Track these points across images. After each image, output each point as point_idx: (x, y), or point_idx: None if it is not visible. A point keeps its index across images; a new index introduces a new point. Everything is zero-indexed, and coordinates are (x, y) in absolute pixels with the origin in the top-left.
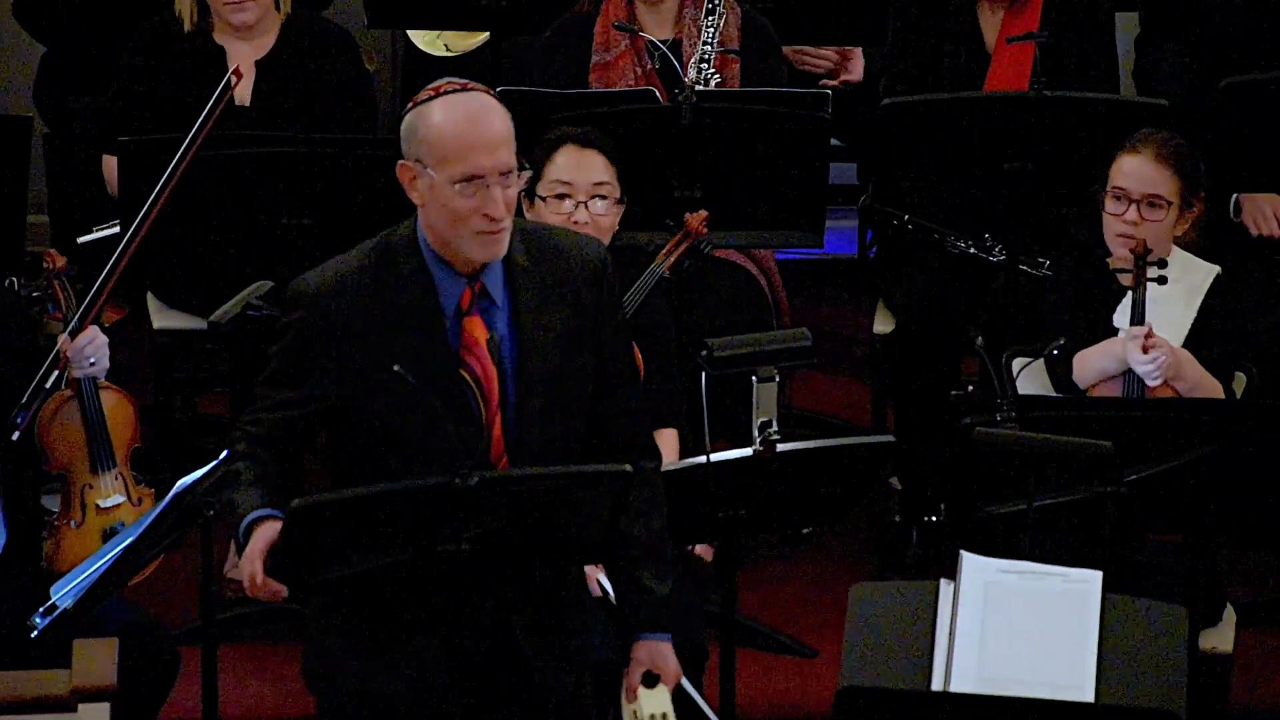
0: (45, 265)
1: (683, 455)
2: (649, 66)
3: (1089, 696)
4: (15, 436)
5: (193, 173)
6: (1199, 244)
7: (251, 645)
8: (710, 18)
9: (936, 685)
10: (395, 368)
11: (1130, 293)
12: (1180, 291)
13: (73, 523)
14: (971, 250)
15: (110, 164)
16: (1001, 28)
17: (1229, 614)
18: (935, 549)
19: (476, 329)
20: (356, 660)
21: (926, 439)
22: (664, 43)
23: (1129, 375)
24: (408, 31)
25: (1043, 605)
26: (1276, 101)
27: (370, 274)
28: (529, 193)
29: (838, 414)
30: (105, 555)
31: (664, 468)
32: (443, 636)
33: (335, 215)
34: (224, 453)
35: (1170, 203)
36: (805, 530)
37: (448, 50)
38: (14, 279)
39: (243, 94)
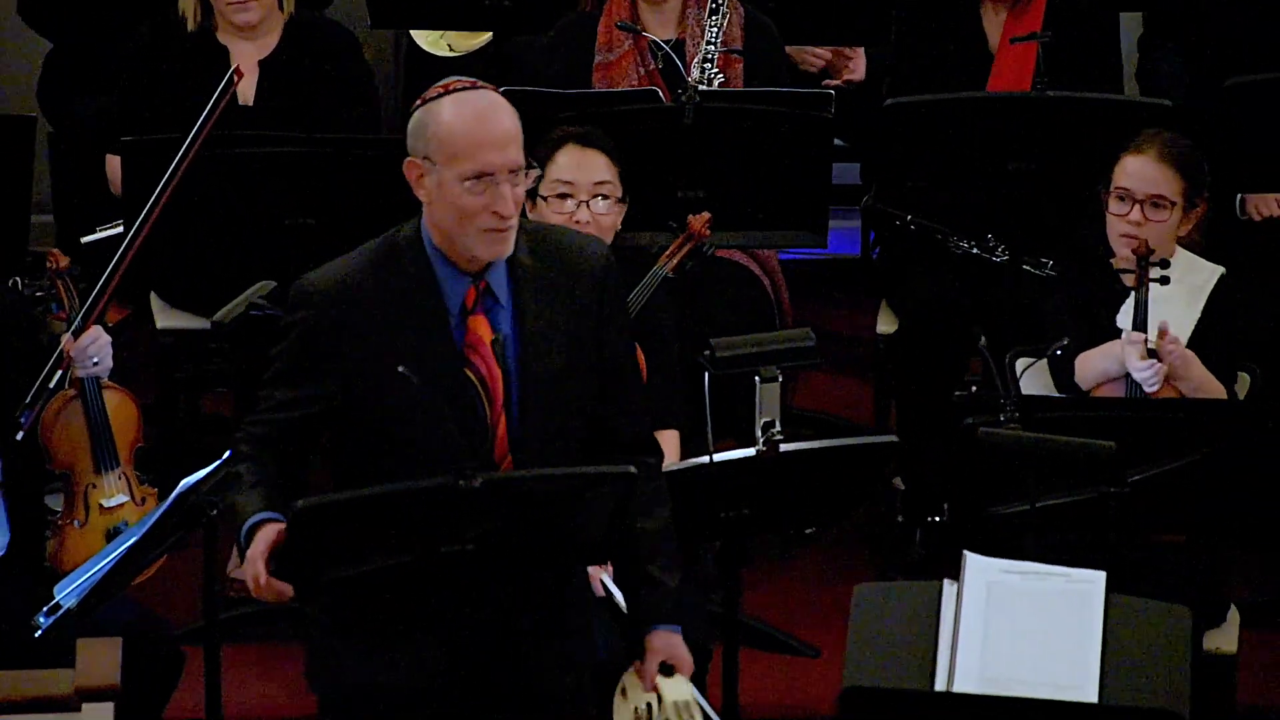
0: (48, 265)
1: (686, 456)
2: (652, 66)
3: (1092, 697)
4: (19, 436)
5: (195, 172)
6: (1202, 244)
7: (255, 645)
8: (714, 18)
9: (940, 685)
10: (400, 369)
11: (1133, 293)
12: (1184, 292)
13: (76, 522)
14: (974, 251)
15: (114, 163)
16: (1005, 28)
17: (1233, 615)
18: (938, 549)
19: (481, 328)
20: (358, 660)
21: (930, 439)
22: (667, 42)
23: (1131, 376)
24: (410, 32)
25: (1046, 605)
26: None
27: (374, 273)
28: (531, 193)
29: (841, 414)
30: (109, 555)
31: (667, 468)
32: (444, 637)
33: (338, 215)
34: (227, 453)
35: (1174, 203)
36: (808, 530)
37: (451, 50)
38: (17, 279)
39: (246, 94)
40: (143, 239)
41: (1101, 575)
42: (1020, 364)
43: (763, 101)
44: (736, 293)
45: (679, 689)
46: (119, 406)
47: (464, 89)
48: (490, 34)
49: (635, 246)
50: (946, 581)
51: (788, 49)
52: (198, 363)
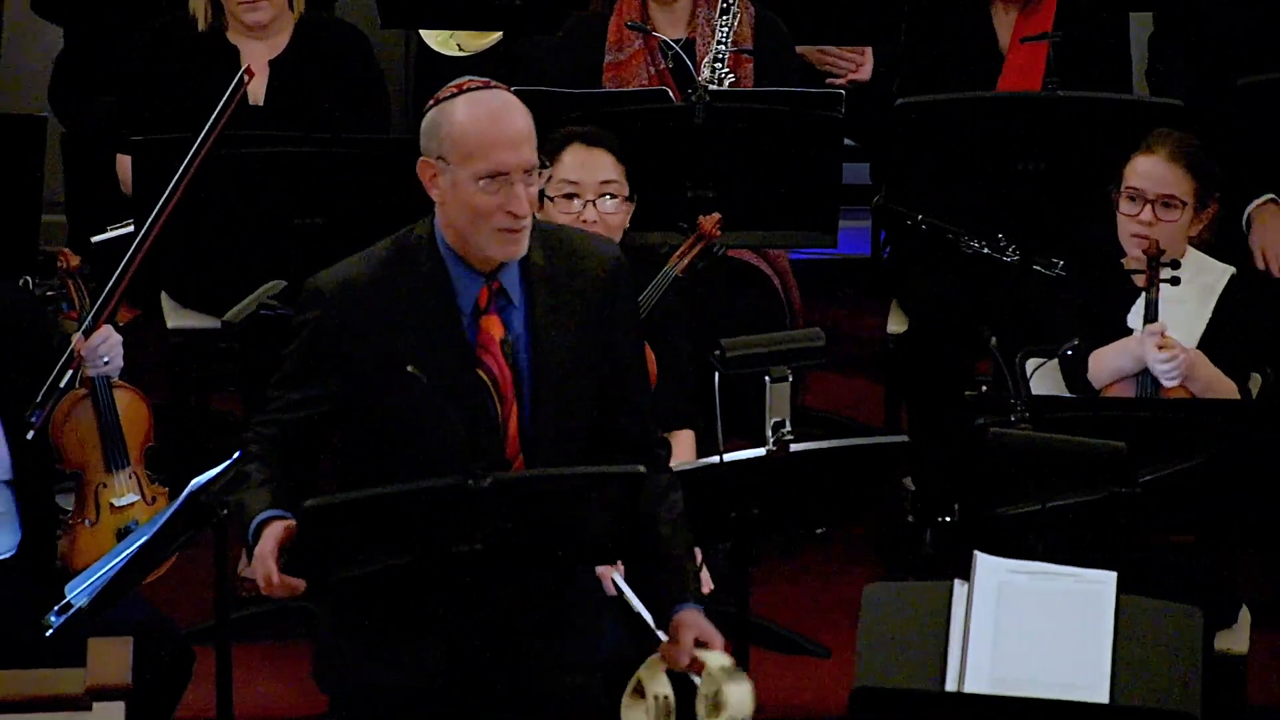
0: (59, 264)
1: (697, 456)
2: (662, 66)
3: (1103, 698)
4: (30, 435)
5: (206, 172)
6: (1211, 244)
7: (265, 644)
8: (724, 17)
9: (950, 686)
10: (409, 368)
11: (1144, 293)
12: (1195, 292)
13: (87, 521)
14: (985, 250)
15: (124, 163)
16: (1015, 28)
17: (1244, 615)
18: (948, 549)
19: (493, 328)
20: (366, 659)
21: (940, 439)
22: (677, 42)
23: (1143, 375)
24: (420, 31)
25: (1056, 606)
26: None
27: (387, 273)
28: (538, 193)
29: (851, 414)
30: (119, 554)
31: (677, 468)
32: (452, 636)
33: (348, 215)
34: (237, 452)
35: (1185, 203)
36: (819, 530)
37: (460, 50)
38: (28, 278)
39: (256, 94)
40: (153, 239)
41: (1112, 576)
42: (1031, 364)
43: (773, 101)
44: (747, 292)
45: (717, 657)
46: (129, 406)
47: (477, 89)
48: (500, 34)
49: (645, 246)
50: (957, 582)
51: (811, 50)
52: (208, 362)
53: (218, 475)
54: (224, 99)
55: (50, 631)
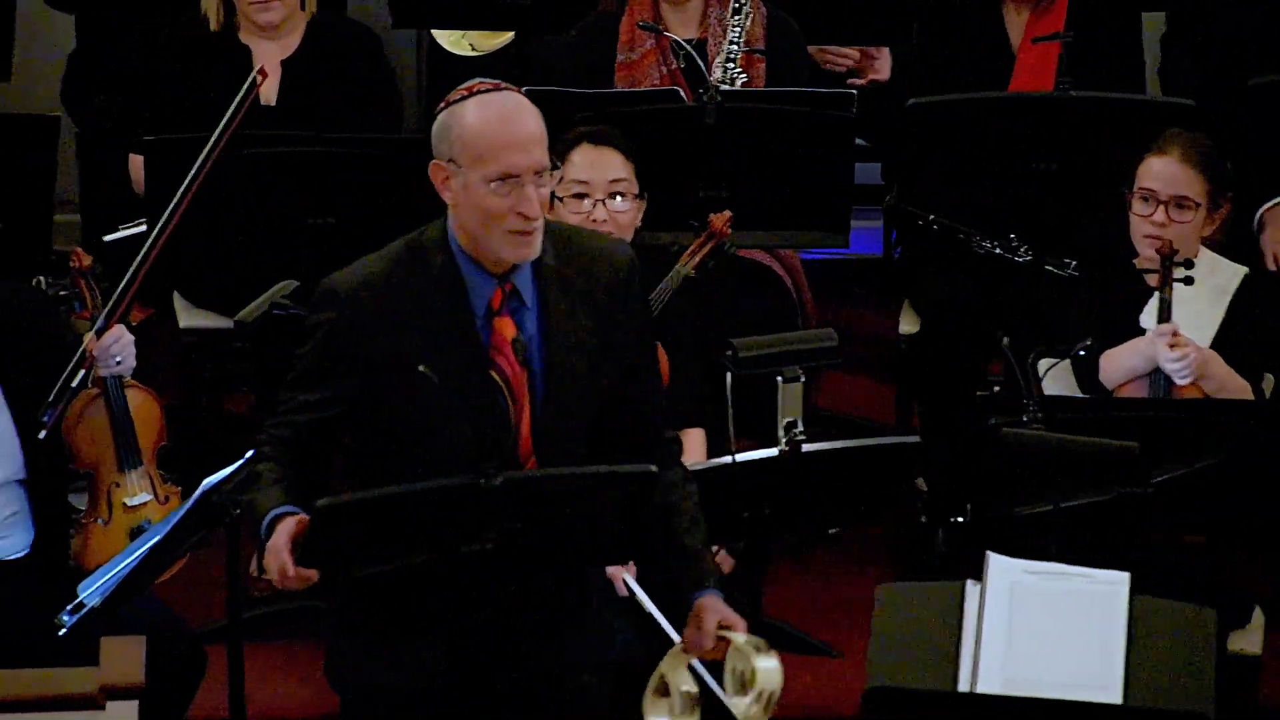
0: (72, 264)
1: (709, 456)
2: (674, 66)
3: (1116, 698)
4: (42, 435)
5: (218, 172)
6: (1223, 244)
7: (278, 644)
8: (736, 17)
9: (963, 686)
10: (420, 368)
11: (1157, 294)
12: (1208, 292)
13: (100, 521)
14: (997, 251)
15: (136, 163)
16: (1027, 27)
17: (1257, 616)
18: (961, 549)
19: (506, 329)
20: (377, 660)
21: (952, 439)
22: (689, 42)
23: (1156, 375)
24: (432, 31)
25: (1069, 606)
26: None
27: (400, 274)
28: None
29: (863, 414)
30: (132, 553)
31: (690, 468)
32: (463, 636)
33: (360, 215)
34: (250, 451)
35: (1198, 204)
36: (831, 531)
37: (473, 50)
38: (41, 278)
39: (268, 94)
40: (165, 238)
41: (1125, 576)
42: (1043, 364)
43: (785, 101)
44: (759, 292)
45: (745, 635)
46: (142, 405)
47: (488, 91)
48: (512, 34)
49: (656, 246)
50: (969, 582)
51: (813, 49)
52: (220, 362)
53: (230, 475)
54: (237, 99)
55: (63, 631)
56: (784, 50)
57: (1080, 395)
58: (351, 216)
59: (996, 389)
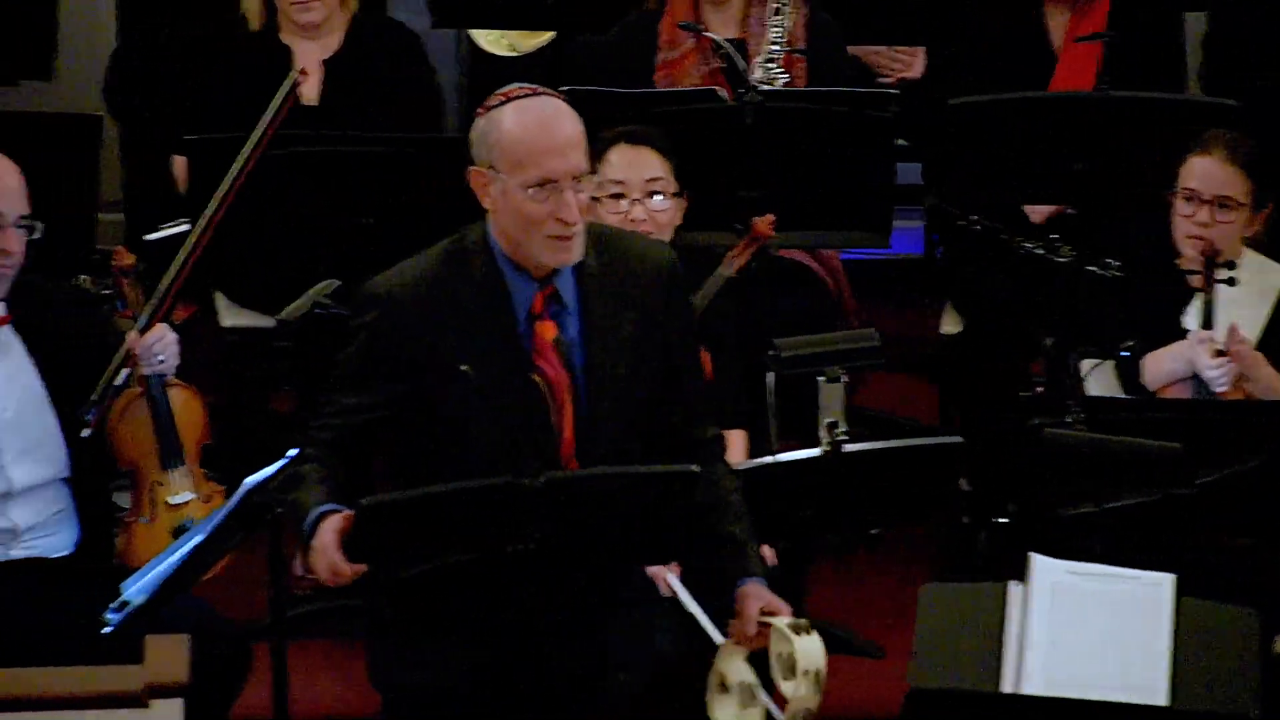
0: (114, 263)
1: (750, 456)
2: (714, 65)
3: (1162, 700)
4: (86, 434)
5: (259, 172)
6: (1265, 244)
7: (321, 642)
8: (777, 17)
9: (1006, 687)
10: (462, 367)
11: (1200, 294)
12: (1252, 293)
13: (143, 519)
14: (1039, 251)
15: (179, 163)
16: (1068, 27)
17: None
18: (1004, 550)
19: (548, 333)
20: (419, 659)
21: (995, 440)
22: (729, 41)
23: (1199, 376)
24: (471, 31)
25: (1114, 608)
26: None
27: (442, 277)
28: None
29: (905, 415)
30: (175, 552)
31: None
32: (504, 636)
33: (401, 214)
34: (292, 450)
35: (1241, 204)
36: (873, 531)
37: (512, 50)
38: (84, 277)
39: (310, 94)
40: (207, 238)
41: (1170, 578)
42: (1085, 365)
43: (825, 101)
44: (800, 293)
45: (785, 618)
46: (185, 404)
47: (525, 96)
48: (551, 34)
49: (698, 247)
50: (1012, 583)
51: (865, 50)
52: (262, 361)
53: (273, 474)
54: (277, 99)
55: (108, 629)
56: (825, 50)
57: (1123, 396)
58: (392, 216)
59: (1039, 389)
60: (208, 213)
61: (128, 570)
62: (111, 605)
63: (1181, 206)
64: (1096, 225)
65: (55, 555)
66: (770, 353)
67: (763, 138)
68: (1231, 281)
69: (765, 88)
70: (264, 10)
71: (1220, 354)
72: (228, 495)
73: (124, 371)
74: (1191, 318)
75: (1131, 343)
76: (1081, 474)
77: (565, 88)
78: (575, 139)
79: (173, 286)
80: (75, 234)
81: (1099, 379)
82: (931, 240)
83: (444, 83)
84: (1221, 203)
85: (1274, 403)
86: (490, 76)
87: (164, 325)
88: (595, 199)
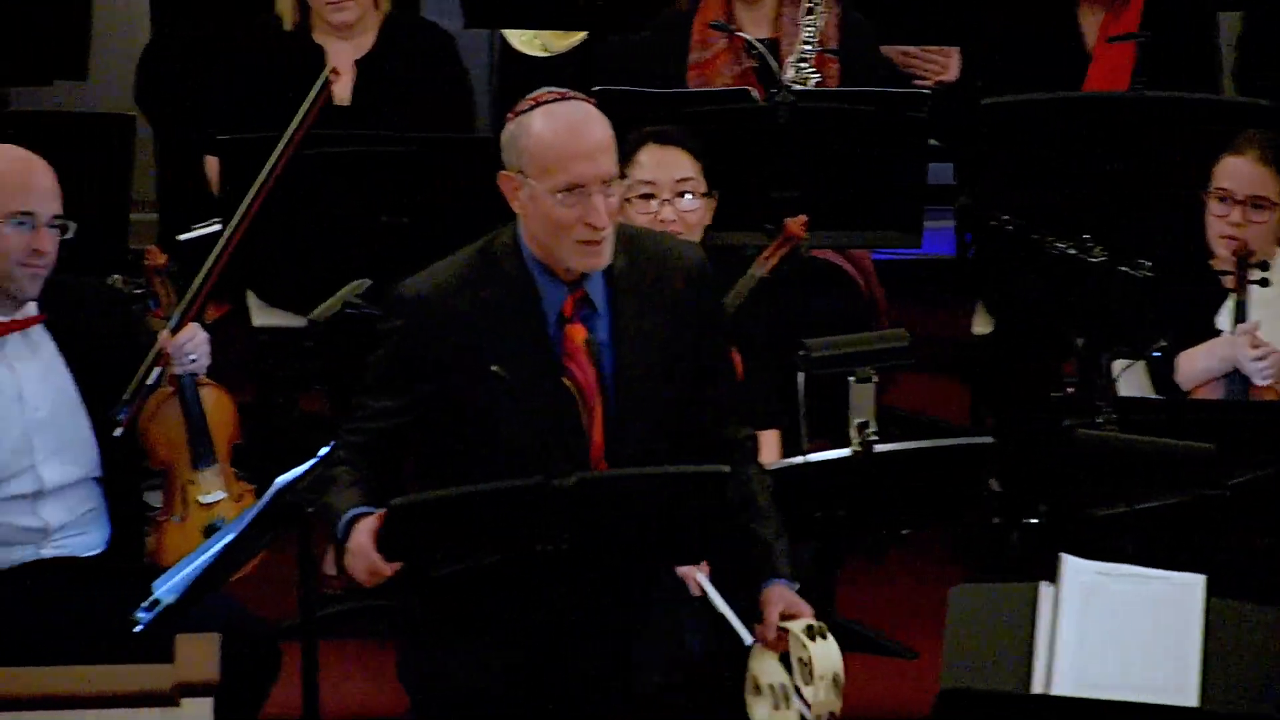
0: (146, 262)
1: (781, 456)
2: (746, 65)
3: (1192, 701)
4: (117, 433)
5: (291, 171)
6: None
7: (351, 641)
8: (810, 17)
9: (1037, 688)
10: (493, 367)
11: (1233, 294)
12: None
13: (175, 518)
14: (1071, 252)
15: (212, 163)
16: (1102, 27)
17: None
18: (1035, 551)
19: (579, 335)
20: (450, 660)
21: (1026, 440)
22: (762, 41)
23: (1232, 376)
24: (504, 31)
25: (1144, 608)
26: None
27: (472, 281)
28: None
29: (936, 415)
30: (206, 551)
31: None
32: (533, 637)
33: (433, 214)
34: (323, 450)
35: (1275, 204)
36: (904, 531)
37: (545, 50)
38: (116, 276)
39: (342, 93)
40: (239, 237)
41: (1201, 579)
42: (1117, 365)
43: (857, 101)
44: (831, 293)
45: (802, 622)
46: (216, 404)
47: (554, 100)
48: (584, 34)
49: (730, 247)
50: (1043, 584)
51: (896, 51)
52: (294, 360)
53: (304, 473)
54: (309, 98)
55: (138, 628)
56: (857, 50)
57: (1155, 396)
58: (424, 216)
59: (1070, 390)
60: (240, 212)
61: (158, 569)
62: (142, 604)
63: (1215, 207)
64: (1129, 225)
65: (86, 554)
66: (800, 353)
67: (795, 138)
68: (1265, 282)
69: (797, 88)
70: (297, 10)
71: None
72: (258, 495)
73: (156, 371)
74: (1225, 318)
75: (1163, 343)
76: (1113, 474)
77: (597, 88)
78: (604, 144)
79: (205, 286)
80: (108, 233)
81: (1131, 379)
82: (963, 240)
83: (476, 83)
84: (1255, 203)
85: None
86: (522, 76)
87: (196, 325)
88: (626, 199)
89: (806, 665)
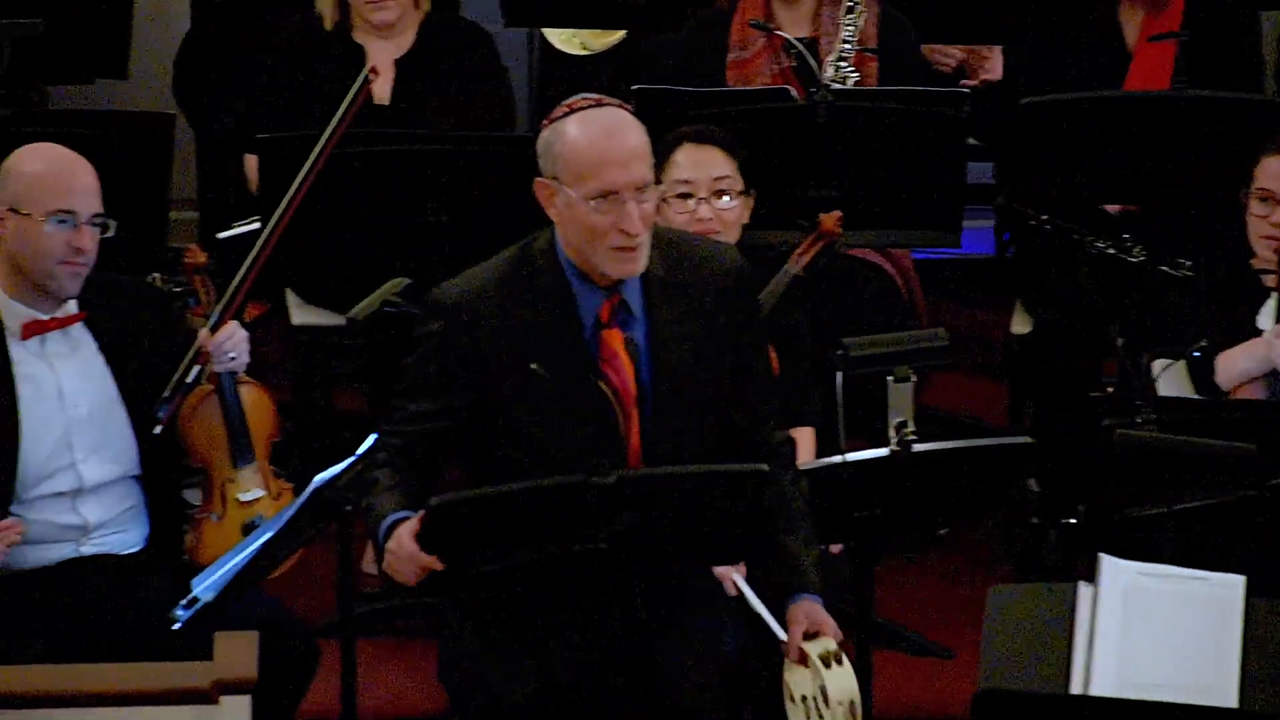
0: (186, 261)
1: (818, 455)
2: (785, 64)
3: (1232, 702)
4: (157, 430)
5: (331, 170)
6: None
7: (390, 640)
8: (849, 15)
9: (1076, 689)
10: (532, 365)
11: (1274, 294)
12: None
13: (214, 516)
14: (1111, 251)
15: (251, 161)
16: (1142, 27)
17: None
18: (1074, 551)
19: (615, 341)
20: (490, 662)
21: (1065, 440)
22: (801, 40)
23: (1274, 376)
24: (544, 30)
25: (1184, 609)
26: None
27: (509, 286)
28: None
29: (975, 415)
30: (245, 549)
31: (800, 467)
32: (573, 638)
33: (472, 213)
34: (362, 448)
35: None
36: (942, 531)
37: (584, 49)
38: (156, 274)
39: (382, 93)
40: (278, 236)
41: (1241, 579)
42: (1157, 365)
43: (897, 100)
44: (869, 292)
45: (823, 645)
46: (255, 402)
47: (589, 107)
48: (623, 32)
49: (766, 244)
50: (1082, 584)
51: (921, 48)
52: (332, 358)
53: (342, 471)
54: (348, 98)
55: (177, 625)
56: (897, 49)
57: (1195, 397)
58: (463, 214)
59: (1110, 390)
60: (279, 211)
61: (197, 567)
62: (181, 602)
63: (1256, 207)
64: (1170, 225)
65: (125, 552)
66: (839, 352)
67: (834, 137)
68: None
69: (836, 87)
70: (337, 9)
71: None
72: (297, 493)
73: (195, 369)
74: (1266, 318)
75: (1203, 343)
76: (1152, 475)
77: (636, 87)
78: (639, 150)
79: (244, 284)
80: (148, 232)
81: (1170, 379)
82: (1002, 240)
83: (515, 82)
84: None
85: None
86: (562, 75)
87: (235, 323)
88: (663, 199)
89: (823, 691)
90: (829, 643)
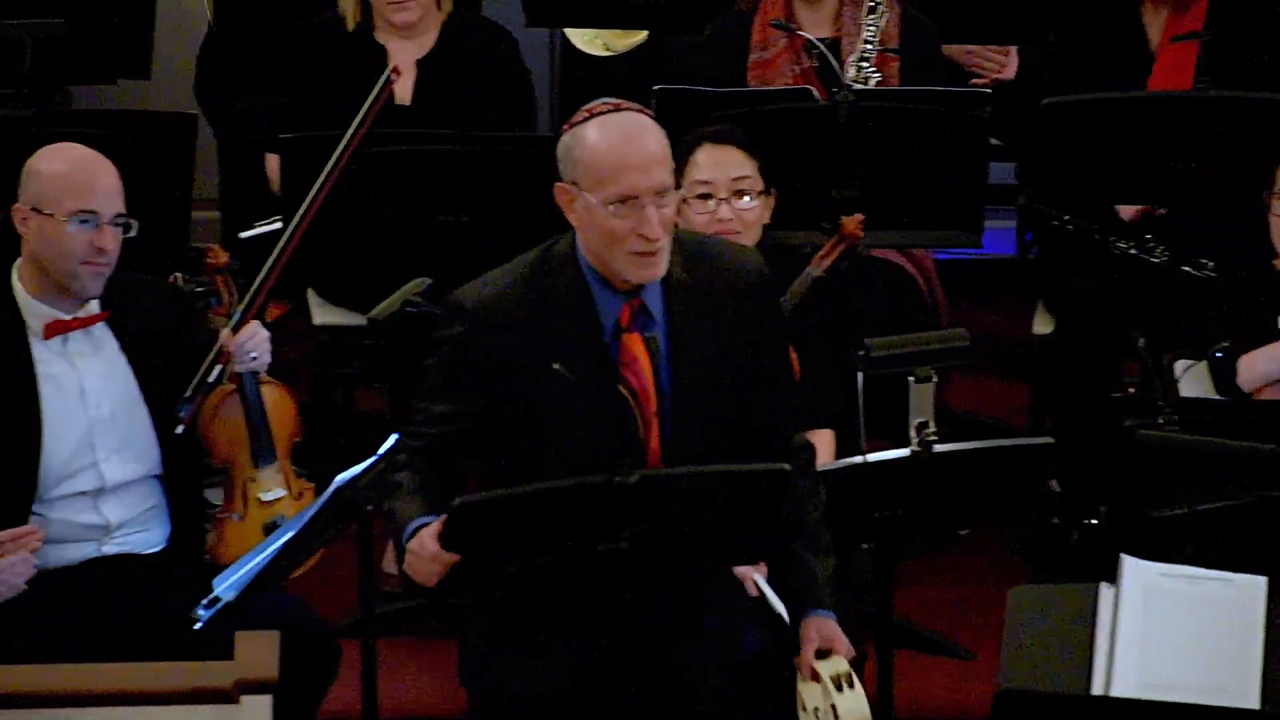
0: (208, 261)
1: (839, 456)
2: (806, 65)
3: (1254, 703)
4: (179, 430)
5: (352, 170)
6: None
7: (410, 640)
8: (871, 16)
9: (1097, 690)
10: (555, 365)
11: None
12: None
13: (235, 515)
14: (1133, 251)
15: (273, 162)
16: (1165, 26)
17: None
18: (1095, 552)
19: (635, 346)
20: (510, 663)
21: (1086, 441)
22: (822, 41)
23: None
24: (565, 31)
25: (1206, 610)
26: None
27: (529, 289)
28: None
29: (996, 415)
30: (266, 548)
31: (820, 468)
32: (593, 638)
33: (493, 213)
34: (382, 448)
35: None
36: (963, 532)
37: (606, 49)
38: (178, 274)
39: (404, 93)
40: (300, 236)
41: (1263, 580)
42: (1179, 366)
43: (918, 101)
44: (891, 292)
45: (834, 665)
46: (277, 401)
47: (608, 111)
48: (645, 33)
49: (787, 246)
50: (1104, 585)
51: (958, 50)
52: (353, 358)
53: (363, 471)
54: (370, 98)
55: (198, 625)
56: (918, 49)
57: (1217, 398)
58: (485, 215)
59: (1131, 390)
60: (301, 211)
61: (219, 566)
62: (202, 601)
63: (1278, 207)
64: (1192, 226)
65: (147, 551)
66: (860, 352)
67: (855, 137)
68: None
69: (858, 87)
70: (359, 9)
71: None
72: (318, 492)
73: (217, 369)
74: None
75: (1225, 344)
76: (1174, 476)
77: (658, 87)
78: (658, 155)
79: (266, 284)
80: (170, 232)
81: (1192, 380)
82: (1024, 240)
83: (537, 82)
84: None
85: None
86: (584, 76)
87: (257, 323)
88: (684, 200)
89: (833, 711)
90: (841, 663)
